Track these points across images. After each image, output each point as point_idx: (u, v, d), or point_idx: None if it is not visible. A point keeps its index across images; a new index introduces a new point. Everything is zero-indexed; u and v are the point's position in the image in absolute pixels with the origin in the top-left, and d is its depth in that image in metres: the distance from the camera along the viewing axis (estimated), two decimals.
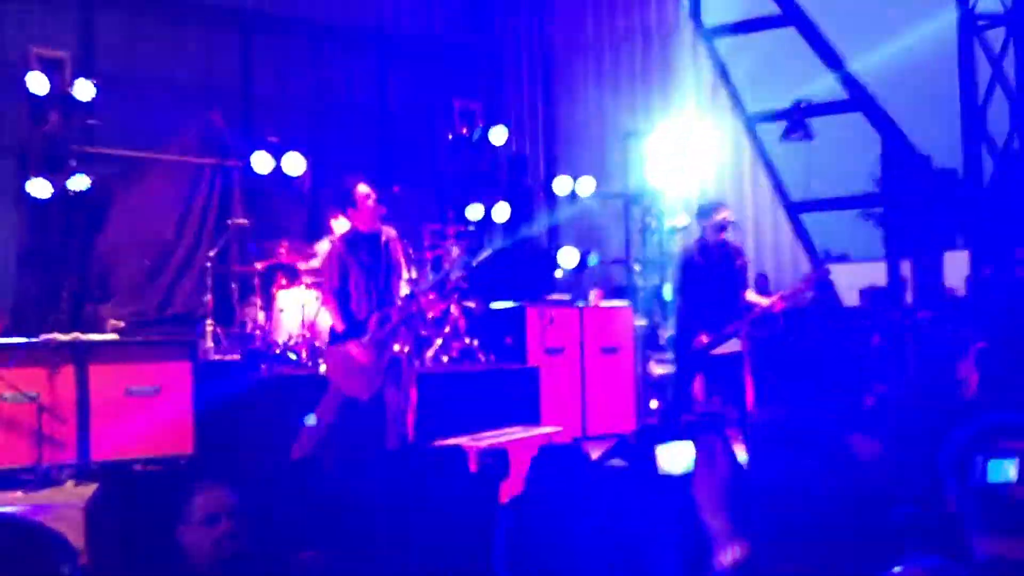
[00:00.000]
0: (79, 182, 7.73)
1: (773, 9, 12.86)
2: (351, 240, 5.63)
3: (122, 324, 7.51)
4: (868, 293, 13.23)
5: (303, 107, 12.04)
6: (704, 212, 6.95)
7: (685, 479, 2.01)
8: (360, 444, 5.53)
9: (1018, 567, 1.80)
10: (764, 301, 6.82)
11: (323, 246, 7.31)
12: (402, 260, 5.86)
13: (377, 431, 5.60)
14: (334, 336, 5.73)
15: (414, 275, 7.17)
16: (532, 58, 14.19)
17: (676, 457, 1.95)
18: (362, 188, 5.60)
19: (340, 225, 7.13)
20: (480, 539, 4.11)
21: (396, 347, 5.60)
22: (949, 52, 11.91)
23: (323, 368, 5.63)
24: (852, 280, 14.38)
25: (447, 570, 3.01)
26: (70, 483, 6.23)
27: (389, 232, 5.72)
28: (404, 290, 5.80)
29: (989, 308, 10.22)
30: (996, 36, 11.68)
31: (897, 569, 1.13)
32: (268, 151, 8.90)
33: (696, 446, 1.97)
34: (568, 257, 9.86)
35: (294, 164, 8.87)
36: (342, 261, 5.58)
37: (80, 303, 8.28)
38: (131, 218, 8.89)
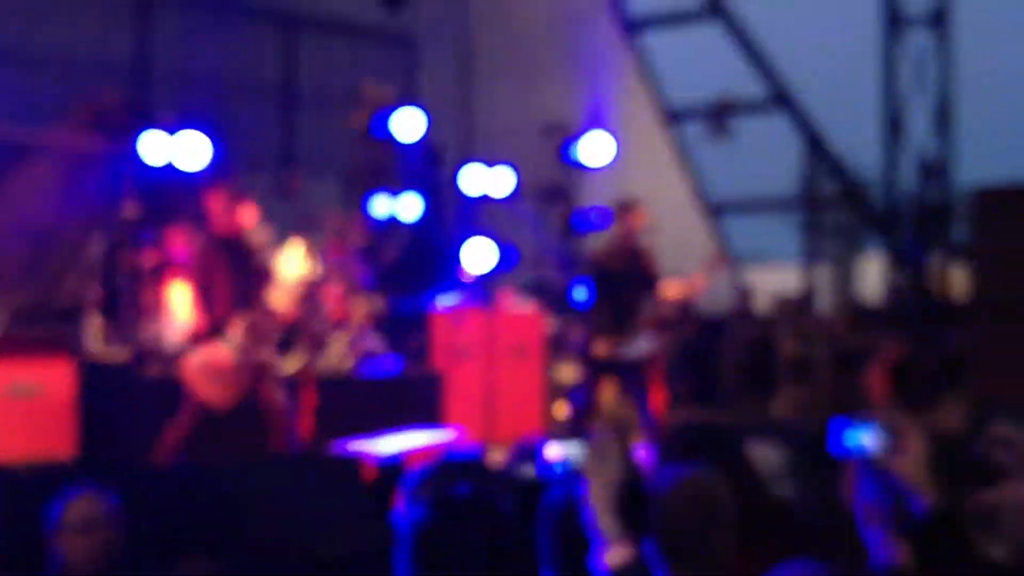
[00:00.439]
0: None
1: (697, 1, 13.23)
2: (220, 239, 5.66)
3: (1, 318, 7.39)
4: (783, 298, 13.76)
5: (205, 87, 11.95)
6: (619, 211, 7.15)
7: (573, 478, 2.16)
8: (238, 449, 5.57)
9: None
10: (672, 289, 6.98)
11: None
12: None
13: (253, 437, 5.65)
14: (196, 337, 5.73)
15: (318, 272, 7.23)
16: (450, 47, 14.29)
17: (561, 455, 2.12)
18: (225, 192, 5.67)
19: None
20: (372, 549, 4.24)
21: (265, 353, 5.64)
22: (870, 52, 12.40)
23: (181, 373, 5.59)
24: (769, 284, 14.84)
25: None
26: None
27: (260, 233, 5.79)
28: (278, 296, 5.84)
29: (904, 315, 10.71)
30: (917, 36, 12.15)
31: None
32: (163, 130, 8.76)
33: (590, 446, 2.12)
34: (478, 255, 9.99)
35: (193, 148, 8.75)
36: (207, 260, 5.62)
37: None
38: (12, 203, 8.72)
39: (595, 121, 13.11)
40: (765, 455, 3.72)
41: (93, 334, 7.34)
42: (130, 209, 8.18)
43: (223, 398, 5.51)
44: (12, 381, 6.41)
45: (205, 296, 5.54)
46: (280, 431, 5.57)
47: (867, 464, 2.37)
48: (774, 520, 2.89)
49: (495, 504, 1.99)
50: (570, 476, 2.18)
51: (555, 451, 1.90)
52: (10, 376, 6.42)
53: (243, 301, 5.58)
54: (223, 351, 5.45)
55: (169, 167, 8.70)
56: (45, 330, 7.28)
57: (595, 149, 11.45)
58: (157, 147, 8.62)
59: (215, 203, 5.55)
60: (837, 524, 2.68)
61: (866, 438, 2.48)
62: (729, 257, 9.10)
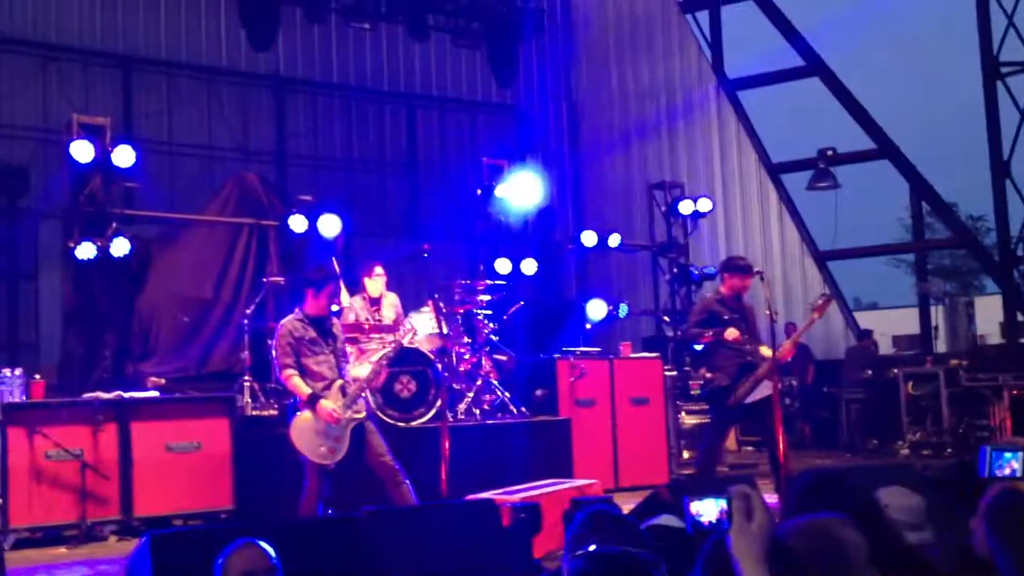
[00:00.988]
0: (120, 247, 7.94)
1: (797, 61, 13.04)
2: (305, 319, 5.83)
3: (163, 381, 7.67)
4: (900, 340, 13.21)
5: (335, 165, 12.34)
6: (726, 269, 7.00)
7: (720, 532, 2.07)
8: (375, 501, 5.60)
9: None
10: (784, 346, 6.75)
11: (350, 301, 7.45)
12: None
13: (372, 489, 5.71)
14: (293, 407, 5.84)
15: (445, 330, 7.28)
16: (558, 114, 14.44)
17: (710, 510, 2.01)
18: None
19: (373, 284, 7.28)
20: None
21: (358, 416, 5.72)
22: (974, 100, 11.99)
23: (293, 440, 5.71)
24: (884, 326, 14.31)
25: None
26: (113, 538, 6.36)
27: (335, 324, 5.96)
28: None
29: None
30: (1021, 82, 11.75)
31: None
32: (302, 211, 9.08)
33: (731, 498, 2.04)
34: (596, 309, 9.94)
35: (329, 223, 9.04)
36: (292, 338, 5.78)
37: (122, 362, 8.46)
38: (170, 277, 9.11)
39: (701, 179, 13.01)
40: (899, 501, 3.51)
41: (245, 393, 7.53)
42: (275, 279, 8.40)
43: (326, 456, 5.60)
44: (174, 439, 6.63)
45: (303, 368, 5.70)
46: (396, 483, 5.63)
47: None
48: (911, 568, 2.71)
49: (647, 560, 1.92)
50: (719, 528, 2.07)
51: (698, 505, 1.84)
52: (173, 434, 6.64)
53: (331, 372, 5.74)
54: (327, 408, 5.56)
55: (309, 238, 8.95)
56: (202, 391, 7.52)
57: (699, 204, 11.36)
58: (298, 222, 8.91)
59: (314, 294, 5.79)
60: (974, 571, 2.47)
61: (1016, 463, 2.47)
62: (835, 299, 8.80)
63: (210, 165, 11.59)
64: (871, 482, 3.72)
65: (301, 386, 5.66)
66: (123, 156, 8.01)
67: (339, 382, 5.74)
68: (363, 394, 5.87)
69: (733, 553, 1.99)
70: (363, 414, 5.75)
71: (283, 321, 5.88)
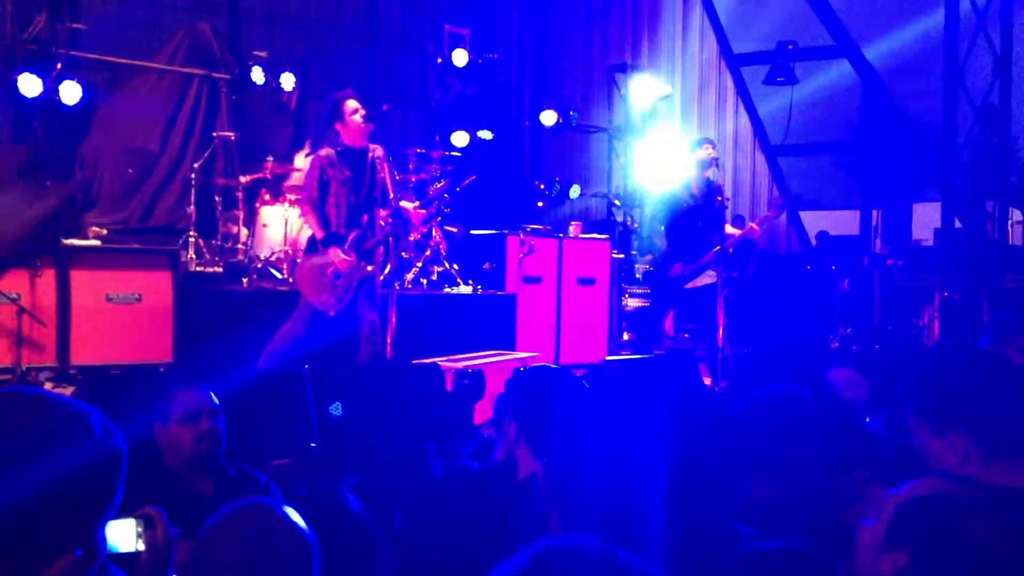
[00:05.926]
0: (71, 93, 7.45)
1: None
2: (337, 154, 5.44)
3: (104, 232, 7.33)
4: (823, 236, 13.34)
5: (292, 24, 11.71)
6: (693, 147, 6.85)
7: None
8: (333, 358, 5.47)
9: None
10: (737, 232, 6.89)
11: (303, 161, 7.13)
12: (388, 180, 5.68)
13: (351, 347, 5.52)
14: (312, 245, 5.58)
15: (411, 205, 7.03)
16: None
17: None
18: (351, 103, 5.41)
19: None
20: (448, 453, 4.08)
21: (369, 268, 5.47)
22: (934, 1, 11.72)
23: (292, 279, 5.47)
24: (823, 226, 14.35)
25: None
26: (48, 385, 6.14)
27: (376, 150, 5.54)
28: (389, 207, 5.65)
29: (956, 259, 10.23)
30: None
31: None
32: (260, 67, 8.67)
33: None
34: (548, 118, 9.81)
35: (285, 80, 8.69)
36: (324, 174, 5.40)
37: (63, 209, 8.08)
38: (116, 126, 8.64)
39: (661, 63, 12.67)
40: (849, 382, 3.43)
41: (189, 249, 7.25)
42: (225, 133, 8.03)
43: (329, 305, 5.37)
44: (114, 290, 6.36)
45: (319, 205, 5.36)
46: (371, 342, 5.44)
47: None
48: (866, 448, 2.62)
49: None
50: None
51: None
52: (112, 285, 6.37)
53: (356, 215, 5.40)
54: (337, 257, 5.30)
55: (262, 95, 8.57)
56: (145, 244, 7.22)
57: (658, 89, 11.07)
58: (256, 75, 8.54)
59: (349, 113, 5.32)
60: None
61: None
62: (789, 201, 8.79)
63: (160, 13, 10.91)
64: (820, 363, 3.66)
65: (317, 226, 5.37)
66: None
67: (358, 231, 5.43)
68: (379, 248, 5.59)
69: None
70: (372, 268, 5.50)
71: (319, 151, 5.51)
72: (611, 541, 1.55)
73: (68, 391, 5.16)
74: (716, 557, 1.44)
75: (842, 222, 15.73)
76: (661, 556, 1.60)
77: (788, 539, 1.79)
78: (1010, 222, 10.69)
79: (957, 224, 11.33)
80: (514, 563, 1.16)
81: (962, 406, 1.90)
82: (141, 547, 1.74)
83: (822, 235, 12.41)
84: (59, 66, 7.56)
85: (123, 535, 1.73)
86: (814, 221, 14.31)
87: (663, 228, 6.76)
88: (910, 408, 1.99)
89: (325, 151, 5.46)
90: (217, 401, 3.07)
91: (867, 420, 3.06)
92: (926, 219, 14.64)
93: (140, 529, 1.74)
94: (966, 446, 1.87)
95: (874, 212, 13.16)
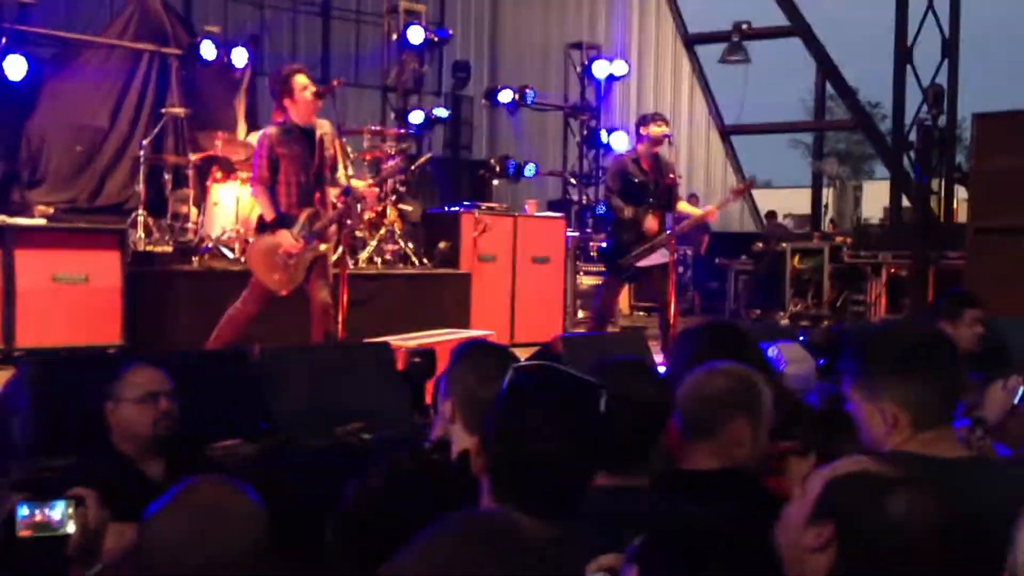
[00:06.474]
0: (15, 68, 7.27)
1: None
2: (285, 132, 5.35)
3: (51, 211, 7.18)
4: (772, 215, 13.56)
5: None
6: (643, 122, 6.83)
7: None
8: (284, 338, 5.41)
9: None
10: (697, 211, 6.91)
11: (254, 138, 7.02)
12: (339, 156, 5.60)
13: (301, 326, 5.46)
14: (262, 226, 5.48)
15: (351, 173, 6.95)
16: None
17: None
18: (300, 78, 5.30)
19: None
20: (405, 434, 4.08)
21: (322, 247, 5.40)
22: None
23: (244, 259, 5.35)
24: (774, 205, 14.51)
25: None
26: None
27: (323, 126, 5.45)
28: (340, 185, 5.56)
29: (903, 237, 10.39)
30: None
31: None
32: (212, 42, 8.53)
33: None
34: (504, 166, 9.72)
35: (237, 55, 8.55)
36: (272, 152, 5.30)
37: (8, 188, 7.90)
38: (63, 103, 8.44)
39: (617, 42, 12.67)
40: (794, 355, 3.49)
41: (139, 228, 7.14)
42: (175, 110, 7.90)
43: (281, 284, 5.30)
44: (61, 270, 6.24)
45: (269, 184, 5.25)
46: (323, 322, 5.38)
47: None
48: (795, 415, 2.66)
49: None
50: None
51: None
52: (58, 265, 6.24)
53: (307, 194, 5.30)
54: (286, 240, 5.21)
55: (213, 71, 8.44)
56: (93, 223, 7.08)
57: (614, 67, 11.07)
58: (208, 50, 8.40)
59: (299, 89, 5.19)
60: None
61: None
62: (749, 186, 8.87)
63: None
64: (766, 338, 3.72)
65: (268, 206, 5.29)
66: None
67: (309, 211, 5.35)
68: (331, 227, 5.50)
69: None
70: (325, 247, 5.41)
71: (266, 129, 5.39)
72: (545, 515, 1.57)
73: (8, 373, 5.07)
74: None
75: (794, 199, 15.88)
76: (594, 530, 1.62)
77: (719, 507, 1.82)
78: (955, 200, 10.87)
79: (905, 202, 11.53)
80: (447, 525, 1.18)
81: (893, 374, 1.95)
82: (72, 529, 1.72)
83: (771, 214, 12.58)
84: (3, 40, 7.38)
85: (53, 517, 1.71)
86: (765, 199, 14.47)
87: (612, 205, 6.73)
88: (846, 376, 2.04)
89: (273, 128, 5.36)
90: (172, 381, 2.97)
91: (807, 393, 3.12)
92: (875, 197, 14.85)
93: (71, 510, 1.72)
94: (896, 415, 1.91)
95: (824, 190, 13.35)
